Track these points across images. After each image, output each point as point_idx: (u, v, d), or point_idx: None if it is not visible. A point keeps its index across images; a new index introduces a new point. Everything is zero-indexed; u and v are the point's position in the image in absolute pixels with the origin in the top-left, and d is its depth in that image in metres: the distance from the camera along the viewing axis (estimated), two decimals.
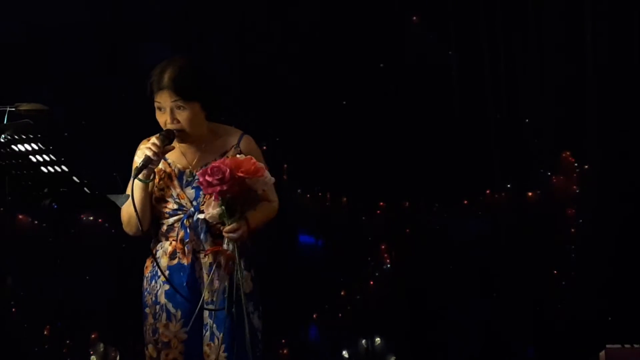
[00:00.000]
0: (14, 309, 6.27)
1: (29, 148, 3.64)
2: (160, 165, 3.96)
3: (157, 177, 3.98)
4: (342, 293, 6.58)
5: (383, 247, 6.60)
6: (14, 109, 3.89)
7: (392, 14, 6.62)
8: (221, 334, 3.87)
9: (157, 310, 3.95)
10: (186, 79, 3.90)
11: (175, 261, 3.93)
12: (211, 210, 3.76)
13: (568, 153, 6.47)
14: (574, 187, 6.44)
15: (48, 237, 6.41)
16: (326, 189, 6.54)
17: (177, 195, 3.93)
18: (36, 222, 6.42)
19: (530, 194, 6.49)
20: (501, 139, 6.51)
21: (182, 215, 3.93)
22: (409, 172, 6.50)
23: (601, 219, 6.33)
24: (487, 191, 6.54)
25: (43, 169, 3.69)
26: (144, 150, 3.85)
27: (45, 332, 6.42)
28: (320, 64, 6.52)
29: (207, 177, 3.64)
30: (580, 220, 6.41)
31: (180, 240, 3.92)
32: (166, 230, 3.96)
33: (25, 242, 6.28)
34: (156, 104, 3.93)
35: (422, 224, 6.54)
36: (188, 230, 3.91)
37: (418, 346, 6.47)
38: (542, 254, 6.38)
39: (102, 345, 6.52)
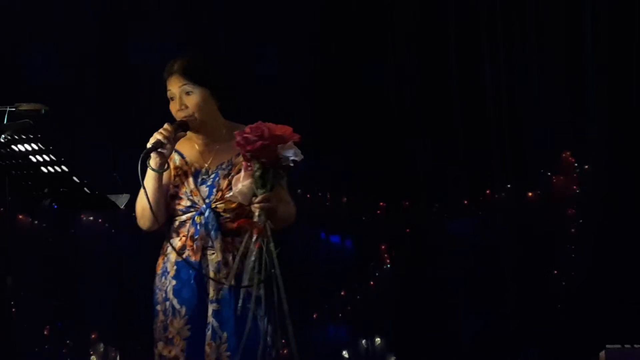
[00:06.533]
0: (14, 309, 6.27)
1: (29, 148, 3.64)
2: (177, 162, 3.97)
3: (173, 172, 3.97)
4: (342, 293, 6.58)
5: (383, 247, 6.60)
6: (14, 109, 3.89)
7: (392, 13, 6.63)
8: (224, 334, 3.86)
9: (167, 307, 3.95)
10: (194, 64, 3.94)
11: (184, 257, 3.93)
12: (240, 184, 3.74)
13: (568, 153, 6.47)
14: (574, 187, 6.44)
15: (48, 237, 6.42)
16: (326, 189, 6.54)
17: (191, 192, 3.94)
18: (36, 222, 6.42)
19: (530, 194, 6.49)
20: (501, 139, 6.52)
21: (194, 213, 3.93)
22: (409, 172, 6.51)
23: (601, 219, 6.33)
24: (487, 191, 6.54)
25: (43, 169, 3.69)
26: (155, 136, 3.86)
27: (45, 332, 6.42)
28: (321, 63, 6.52)
29: (246, 135, 3.62)
30: (580, 220, 6.41)
31: (190, 237, 3.92)
32: (177, 226, 3.97)
33: (25, 242, 6.28)
34: (168, 93, 3.96)
35: (422, 224, 6.54)
36: (198, 227, 3.91)
37: (418, 346, 6.47)
38: (542, 254, 6.38)
39: (102, 345, 6.52)
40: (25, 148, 3.65)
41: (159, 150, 3.85)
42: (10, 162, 3.74)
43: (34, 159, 3.67)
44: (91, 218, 6.51)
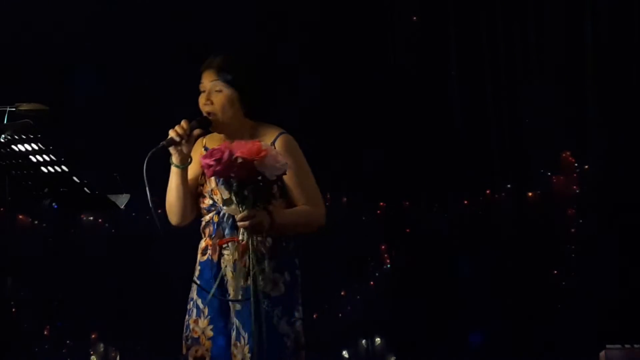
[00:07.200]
0: (14, 309, 6.27)
1: (29, 148, 3.64)
2: (203, 162, 3.96)
3: (201, 171, 3.97)
4: (342, 293, 6.58)
5: (383, 247, 6.61)
6: (14, 109, 3.89)
7: (392, 14, 6.63)
8: (246, 334, 3.85)
9: (191, 307, 3.96)
10: (231, 64, 3.93)
11: (206, 257, 3.93)
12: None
13: (568, 153, 6.47)
14: (574, 187, 6.44)
15: (48, 237, 6.43)
16: (326, 189, 6.52)
17: (211, 191, 3.93)
18: (36, 222, 6.42)
19: (530, 194, 6.49)
20: (501, 139, 6.52)
21: (214, 212, 3.92)
22: (409, 172, 6.51)
23: (601, 219, 6.33)
24: (487, 191, 6.54)
25: (43, 169, 3.69)
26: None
27: (45, 332, 6.42)
28: (321, 63, 6.52)
29: (206, 160, 3.60)
30: (580, 220, 6.41)
31: (209, 236, 3.92)
32: (204, 226, 3.97)
33: (25, 242, 6.29)
34: (200, 86, 3.94)
35: (422, 224, 6.54)
36: (215, 227, 3.91)
37: (418, 346, 6.46)
38: (542, 254, 6.38)
39: (102, 345, 6.52)
40: (25, 148, 3.65)
41: (176, 147, 3.84)
42: (10, 162, 3.74)
43: (34, 159, 3.67)
44: (91, 218, 6.51)
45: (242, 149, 3.56)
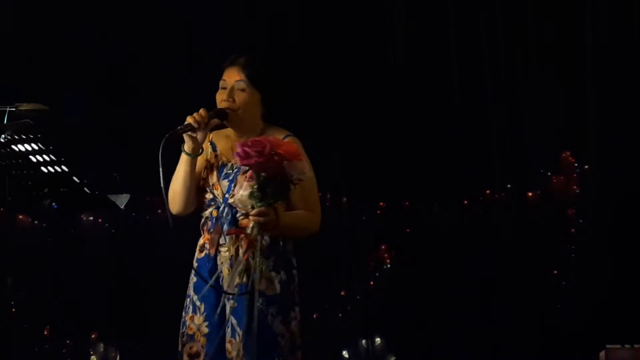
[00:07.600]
0: (14, 309, 6.27)
1: (29, 148, 3.64)
2: (208, 155, 3.96)
3: (205, 164, 3.96)
4: (342, 293, 6.58)
5: (383, 247, 6.61)
6: (14, 109, 3.89)
7: (392, 14, 6.63)
8: (241, 331, 3.85)
9: (187, 303, 3.96)
10: (257, 65, 3.93)
11: (203, 254, 3.93)
12: (242, 191, 3.70)
13: (568, 153, 6.47)
14: (574, 187, 6.44)
15: (48, 237, 6.42)
16: (326, 189, 6.54)
17: (213, 185, 3.93)
18: (36, 222, 6.42)
19: (530, 194, 6.49)
20: (501, 139, 6.52)
21: (213, 207, 3.92)
22: (409, 172, 6.51)
23: (601, 219, 6.33)
24: (487, 191, 6.54)
25: (43, 169, 3.69)
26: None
27: (45, 332, 6.42)
28: (320, 63, 6.52)
29: (245, 148, 3.56)
30: (580, 220, 6.41)
31: (208, 231, 3.92)
32: (203, 223, 3.97)
33: (25, 242, 6.28)
34: (221, 83, 3.93)
35: (422, 224, 6.54)
36: (214, 221, 3.90)
37: (418, 346, 6.47)
38: (542, 254, 6.38)
39: (102, 345, 6.52)
40: (25, 148, 3.65)
41: (191, 134, 3.84)
42: (10, 162, 3.74)
43: (34, 159, 3.68)
44: (91, 218, 6.51)
45: (281, 147, 3.56)
